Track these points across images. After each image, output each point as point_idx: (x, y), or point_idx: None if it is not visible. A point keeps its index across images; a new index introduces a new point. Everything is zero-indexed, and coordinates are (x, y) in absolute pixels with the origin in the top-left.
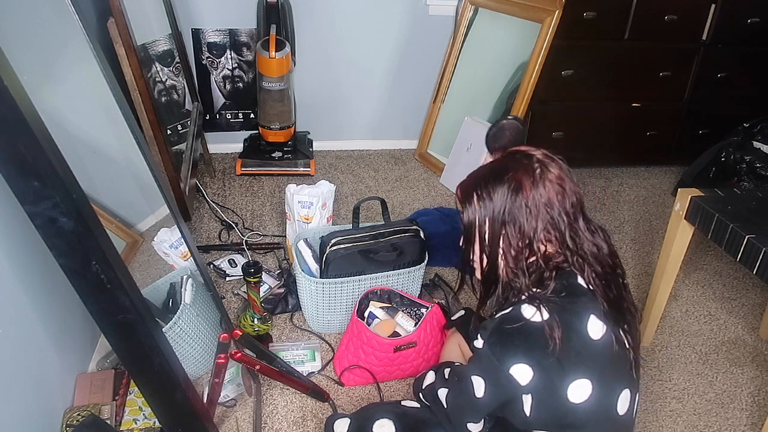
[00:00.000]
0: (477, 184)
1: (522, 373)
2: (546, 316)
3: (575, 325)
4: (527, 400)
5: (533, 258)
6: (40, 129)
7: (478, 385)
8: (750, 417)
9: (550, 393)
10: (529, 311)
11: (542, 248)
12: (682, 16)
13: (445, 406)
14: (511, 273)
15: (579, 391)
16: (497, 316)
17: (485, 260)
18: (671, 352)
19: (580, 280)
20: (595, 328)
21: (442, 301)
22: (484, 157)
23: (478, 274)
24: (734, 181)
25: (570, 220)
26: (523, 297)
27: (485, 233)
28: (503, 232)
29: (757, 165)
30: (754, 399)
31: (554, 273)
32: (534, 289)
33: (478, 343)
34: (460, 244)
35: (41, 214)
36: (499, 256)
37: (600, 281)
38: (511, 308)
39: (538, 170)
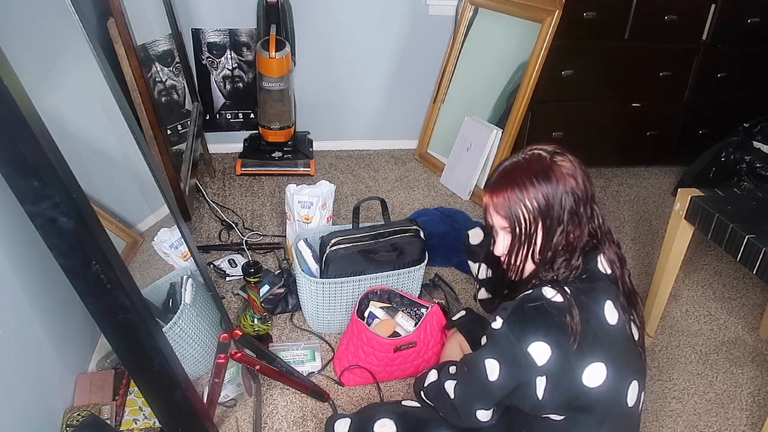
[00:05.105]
0: (507, 185)
1: (540, 352)
2: (566, 297)
3: (593, 308)
4: (541, 383)
5: (565, 249)
6: (40, 129)
7: (492, 369)
8: (750, 417)
9: (566, 375)
10: (550, 292)
11: (573, 239)
12: (682, 16)
13: (453, 397)
14: (543, 264)
15: (594, 374)
16: (518, 297)
17: (520, 255)
18: (671, 352)
19: (599, 265)
20: (611, 313)
21: (442, 301)
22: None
23: (515, 275)
24: (734, 181)
25: (594, 211)
26: (545, 280)
27: (525, 232)
28: (539, 228)
29: (757, 165)
30: (754, 399)
31: (580, 258)
32: (557, 273)
33: (496, 323)
34: (493, 252)
35: (41, 214)
36: (536, 250)
37: (619, 266)
38: (532, 290)
39: (563, 165)
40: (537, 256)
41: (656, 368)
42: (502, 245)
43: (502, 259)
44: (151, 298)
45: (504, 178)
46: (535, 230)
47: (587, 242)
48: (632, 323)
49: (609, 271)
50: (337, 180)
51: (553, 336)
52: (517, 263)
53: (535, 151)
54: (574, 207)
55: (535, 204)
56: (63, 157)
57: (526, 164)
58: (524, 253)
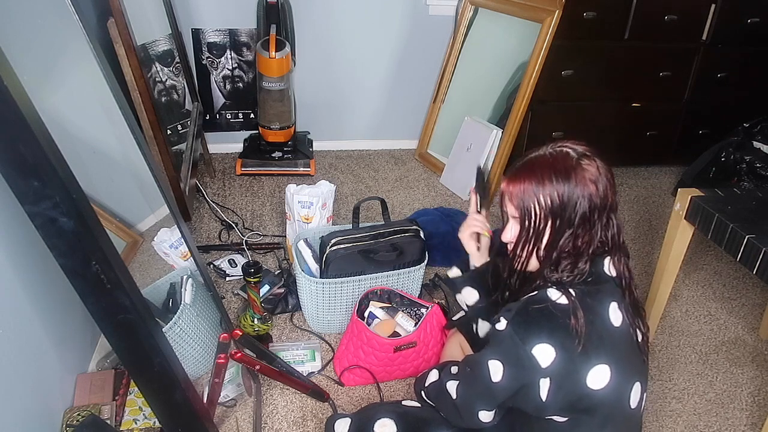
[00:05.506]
0: (526, 177)
1: (544, 354)
2: (571, 299)
3: (598, 310)
4: (544, 385)
5: (571, 252)
6: (40, 129)
7: (496, 370)
8: (750, 417)
9: (570, 377)
10: (554, 294)
11: (581, 244)
12: (682, 16)
13: (455, 398)
14: (547, 264)
15: (599, 376)
16: (522, 298)
17: (526, 248)
18: (671, 352)
19: (605, 268)
20: (615, 315)
21: (442, 301)
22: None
23: (519, 265)
24: (734, 181)
25: (610, 221)
26: (550, 281)
27: (534, 227)
28: (548, 226)
29: (757, 165)
30: (754, 399)
31: (588, 263)
32: (562, 276)
33: (500, 325)
34: (501, 237)
35: (41, 214)
36: (542, 247)
37: (629, 275)
38: (536, 291)
39: (587, 168)
40: (541, 253)
41: (656, 368)
42: (510, 233)
43: (509, 246)
44: (151, 298)
45: (525, 169)
46: (544, 227)
47: (597, 249)
48: (638, 329)
49: (614, 274)
50: (337, 180)
51: (558, 338)
52: (522, 256)
53: (564, 149)
54: (588, 213)
55: (549, 201)
56: (63, 157)
57: (550, 160)
58: (530, 247)
